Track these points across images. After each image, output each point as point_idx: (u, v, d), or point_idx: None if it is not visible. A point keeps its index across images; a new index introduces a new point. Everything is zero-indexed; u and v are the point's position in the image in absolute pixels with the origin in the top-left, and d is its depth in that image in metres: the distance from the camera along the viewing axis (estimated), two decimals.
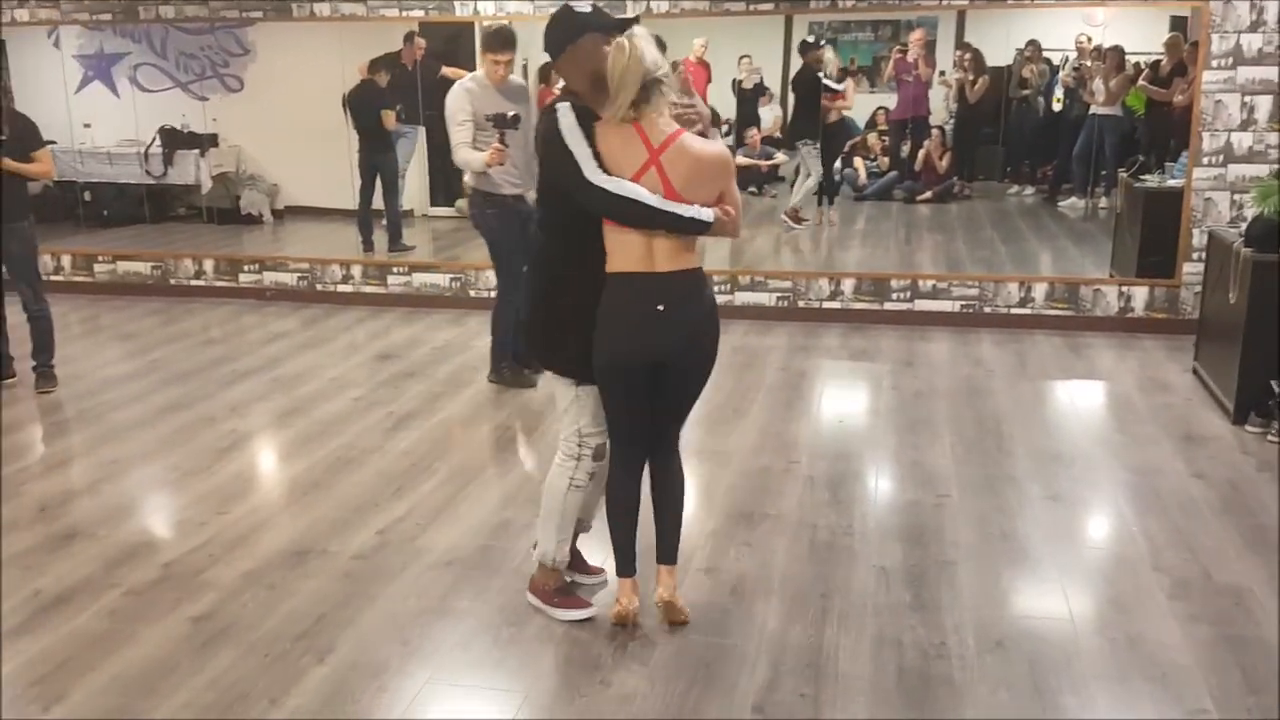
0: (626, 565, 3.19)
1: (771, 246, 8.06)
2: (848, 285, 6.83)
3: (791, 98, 8.01)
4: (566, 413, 3.15)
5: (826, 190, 8.34)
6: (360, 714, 2.81)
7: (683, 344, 2.99)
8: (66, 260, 8.07)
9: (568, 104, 2.94)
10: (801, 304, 6.82)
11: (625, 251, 2.92)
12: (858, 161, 9.12)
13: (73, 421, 5.18)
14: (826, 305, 6.84)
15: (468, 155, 5.12)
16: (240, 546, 3.76)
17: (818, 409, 5.21)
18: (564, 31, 2.95)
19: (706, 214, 2.90)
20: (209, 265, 7.83)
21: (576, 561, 3.43)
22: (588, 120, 2.92)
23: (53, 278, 7.80)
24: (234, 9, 7.34)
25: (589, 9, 2.99)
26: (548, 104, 3.01)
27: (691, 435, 4.86)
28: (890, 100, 9.75)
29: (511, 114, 4.97)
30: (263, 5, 7.28)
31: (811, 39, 7.63)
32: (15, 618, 3.29)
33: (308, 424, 5.03)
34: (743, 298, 6.95)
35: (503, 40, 5.20)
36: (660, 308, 2.92)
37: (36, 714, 2.81)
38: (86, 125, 8.68)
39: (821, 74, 7.80)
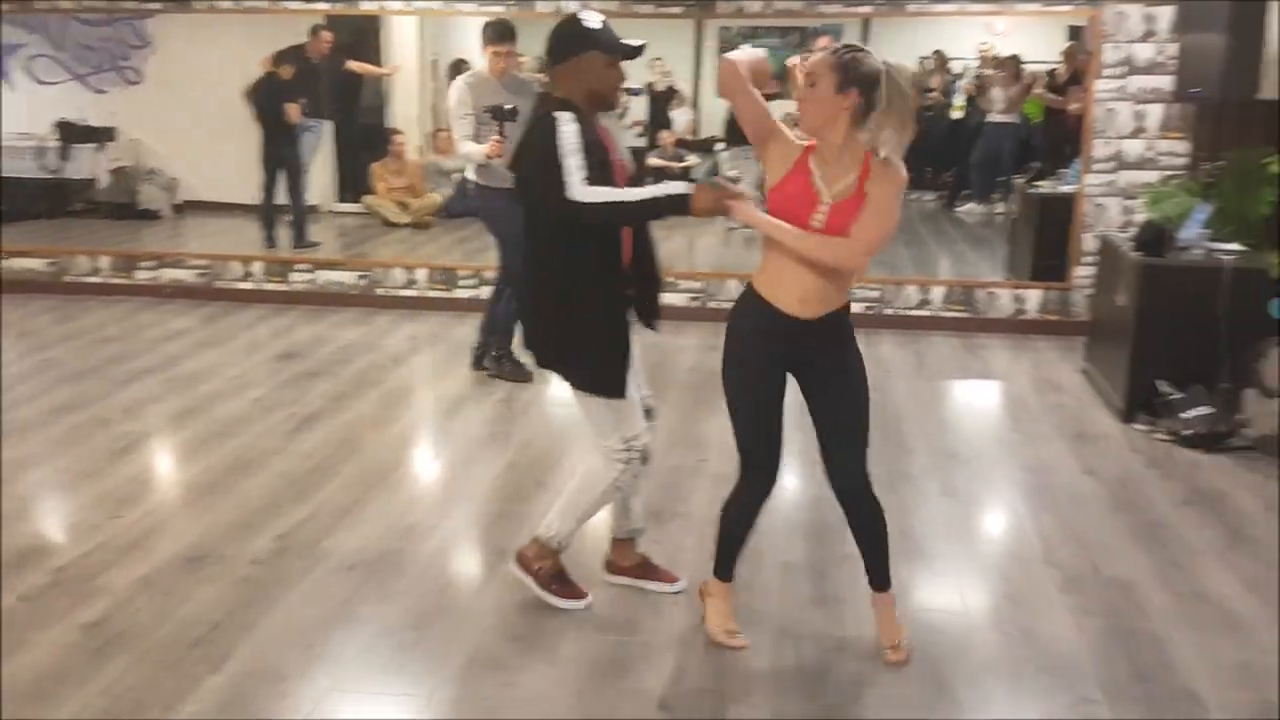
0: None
1: (684, 248, 8.11)
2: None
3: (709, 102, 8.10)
4: (604, 421, 3.09)
5: None
6: None
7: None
8: None
9: (570, 115, 2.88)
10: (712, 305, 6.88)
11: None
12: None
13: None
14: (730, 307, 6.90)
15: (469, 148, 5.21)
16: (135, 551, 3.66)
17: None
18: (571, 43, 2.94)
19: (680, 187, 2.85)
20: (105, 262, 7.59)
21: (647, 568, 3.46)
22: (589, 135, 2.89)
23: None
24: (133, 0, 7.13)
25: (598, 25, 2.96)
26: (543, 110, 2.94)
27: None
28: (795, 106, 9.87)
29: (509, 106, 5.02)
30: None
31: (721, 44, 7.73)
32: None
33: (206, 425, 4.91)
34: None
35: (500, 32, 5.25)
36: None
37: None
38: None
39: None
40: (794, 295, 2.86)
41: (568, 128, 2.85)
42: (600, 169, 2.89)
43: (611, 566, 3.50)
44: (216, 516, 3.94)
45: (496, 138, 5.01)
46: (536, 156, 2.88)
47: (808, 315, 2.88)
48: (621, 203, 2.85)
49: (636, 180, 3.14)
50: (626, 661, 3.02)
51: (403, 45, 8.94)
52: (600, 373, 3.04)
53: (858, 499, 3.07)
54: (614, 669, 2.99)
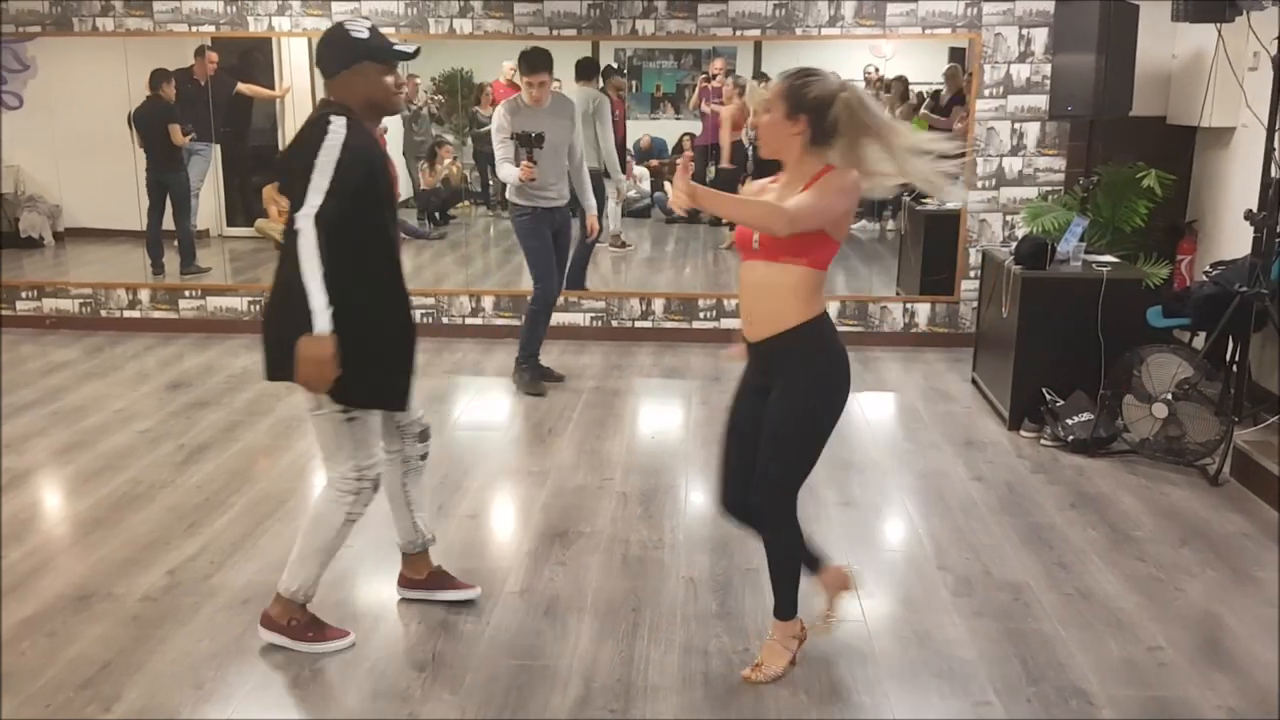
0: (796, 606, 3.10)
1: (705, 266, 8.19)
2: (658, 305, 6.97)
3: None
4: (338, 448, 3.03)
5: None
6: None
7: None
8: None
9: (344, 120, 2.82)
10: (615, 323, 6.91)
11: (820, 288, 2.84)
12: (668, 185, 9.34)
13: None
14: (639, 324, 6.96)
15: (506, 171, 5.51)
16: (18, 591, 3.51)
17: (631, 426, 5.29)
18: (342, 54, 2.90)
19: (322, 323, 2.76)
20: None
21: (442, 577, 3.44)
22: (364, 143, 2.83)
23: None
24: (10, 24, 6.88)
25: (366, 34, 2.92)
26: (320, 112, 2.88)
27: (508, 455, 4.86)
28: (696, 126, 9.99)
29: (536, 133, 5.35)
30: (42, 19, 6.85)
31: (615, 65, 7.80)
32: None
33: (91, 459, 4.74)
34: (558, 318, 6.97)
35: (529, 63, 5.45)
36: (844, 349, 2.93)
37: None
38: None
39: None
40: (746, 319, 2.93)
41: (335, 138, 2.78)
42: (367, 179, 2.84)
43: (404, 580, 3.48)
44: (104, 553, 3.81)
45: (526, 163, 5.36)
46: (303, 159, 2.80)
47: (754, 338, 2.91)
48: (304, 262, 2.73)
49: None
50: (531, 686, 3.01)
51: (295, 66, 8.80)
52: (364, 379, 2.96)
53: (751, 524, 3.08)
54: (519, 694, 2.97)
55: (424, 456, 3.37)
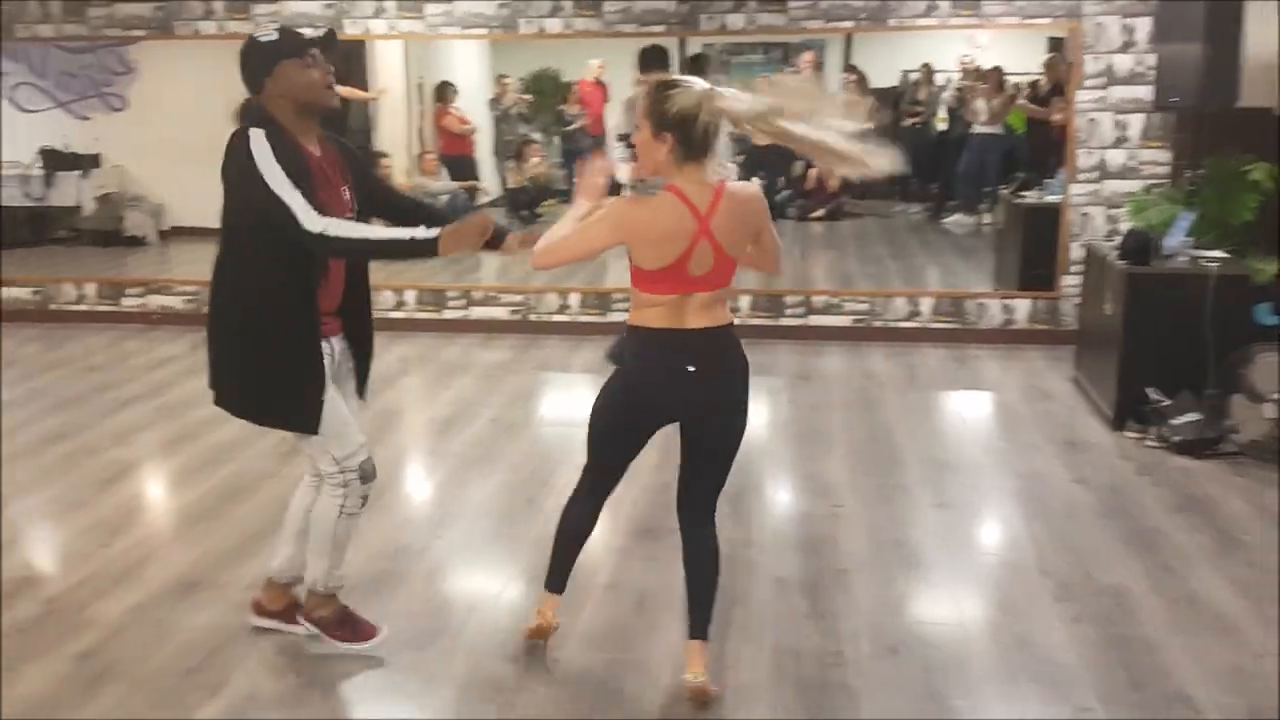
0: (559, 581, 3.10)
1: None
2: (745, 301, 6.92)
3: None
4: (312, 444, 2.93)
5: None
6: None
7: (709, 403, 2.83)
8: None
9: (262, 132, 2.72)
10: (533, 317, 6.87)
11: (661, 310, 2.73)
12: (753, 181, 9.29)
13: None
14: None
15: (619, 171, 5.43)
16: (126, 580, 3.63)
17: None
18: (257, 64, 2.81)
19: (425, 232, 2.72)
20: (91, 289, 7.57)
21: (294, 612, 3.25)
22: (287, 150, 2.74)
23: None
24: (116, 28, 7.13)
25: (275, 35, 2.83)
26: (238, 129, 2.77)
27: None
28: None
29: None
30: (145, 23, 7.09)
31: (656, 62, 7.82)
32: None
33: (196, 451, 4.89)
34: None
35: (644, 61, 5.41)
36: (691, 368, 2.76)
37: None
38: None
39: None
40: None
41: (263, 158, 2.69)
42: (300, 182, 2.73)
43: (259, 607, 3.30)
44: (210, 544, 3.92)
45: (632, 163, 5.27)
46: (236, 174, 2.74)
47: None
48: (364, 239, 2.73)
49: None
50: (623, 679, 3.02)
51: (389, 68, 8.97)
52: (291, 406, 2.87)
53: None
54: (611, 687, 2.98)
55: (364, 498, 3.06)
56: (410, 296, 7.20)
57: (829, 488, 4.38)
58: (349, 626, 3.16)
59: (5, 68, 8.20)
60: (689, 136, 2.62)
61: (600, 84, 9.06)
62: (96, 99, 8.31)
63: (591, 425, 2.96)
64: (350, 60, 8.27)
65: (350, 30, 6.92)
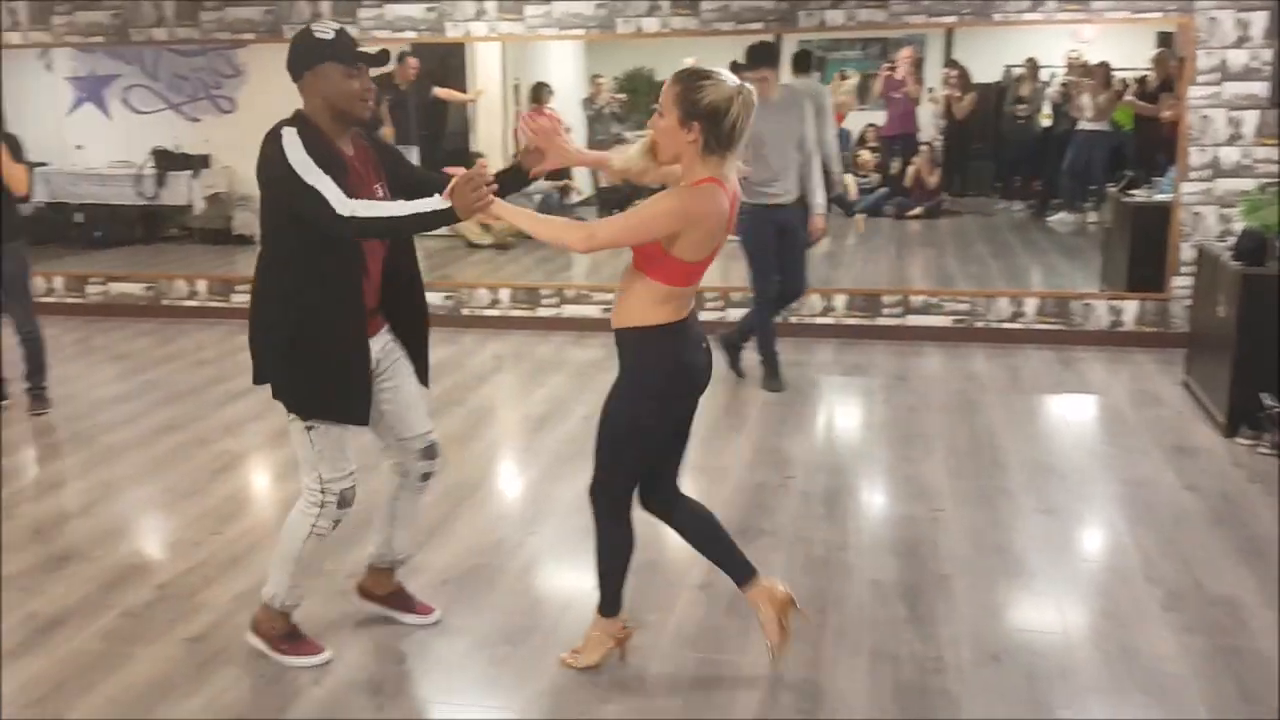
0: (619, 605, 3.06)
1: None
2: (840, 301, 6.85)
3: None
4: (304, 458, 2.98)
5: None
6: None
7: (705, 387, 2.92)
8: (59, 282, 8.05)
9: (294, 129, 2.77)
10: (794, 320, 6.83)
11: (678, 303, 2.76)
12: (849, 178, 9.18)
13: (66, 443, 5.16)
14: (819, 321, 6.86)
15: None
16: (235, 567, 3.75)
17: (812, 424, 5.22)
18: (304, 55, 2.82)
19: (441, 202, 2.71)
20: (202, 286, 7.83)
21: (402, 598, 3.35)
22: (320, 148, 2.76)
23: (44, 299, 7.78)
24: (225, 31, 7.37)
25: (331, 35, 2.82)
26: (271, 129, 2.80)
27: (687, 450, 4.87)
28: (880, 117, 9.81)
29: None
30: (254, 27, 7.30)
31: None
32: (12, 639, 3.28)
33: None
34: (735, 314, 6.97)
35: (752, 58, 5.37)
36: (706, 348, 2.87)
37: None
38: (79, 147, 8.70)
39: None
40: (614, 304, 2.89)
41: (294, 152, 2.72)
42: (332, 173, 2.75)
43: (363, 592, 3.38)
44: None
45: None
46: (273, 172, 2.76)
47: (612, 325, 2.88)
48: (386, 218, 2.73)
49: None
50: (716, 682, 3.01)
51: (487, 70, 9.10)
52: (316, 390, 2.90)
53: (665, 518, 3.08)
54: (704, 689, 2.98)
55: (426, 476, 3.23)
56: (505, 295, 7.29)
57: (928, 491, 4.31)
58: (294, 642, 3.14)
59: (119, 70, 8.52)
60: (718, 129, 2.61)
61: None
62: (206, 101, 8.57)
63: (619, 438, 2.88)
64: (449, 62, 8.42)
65: (451, 33, 7.04)
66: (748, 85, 2.65)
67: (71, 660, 3.16)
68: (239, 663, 3.13)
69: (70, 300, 8.02)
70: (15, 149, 5.31)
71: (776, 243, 5.56)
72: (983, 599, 3.44)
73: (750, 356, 5.89)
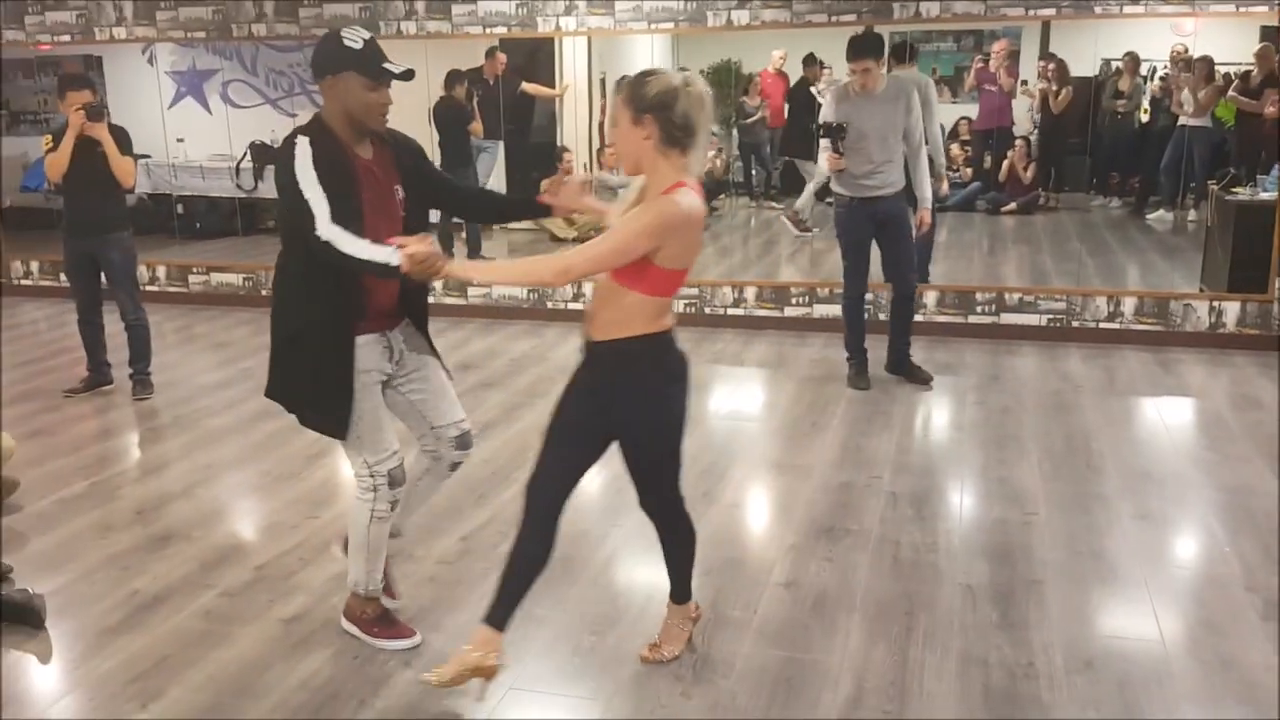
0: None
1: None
2: (930, 298, 6.75)
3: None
4: (348, 446, 3.05)
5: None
6: (445, 717, 2.85)
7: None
8: (161, 271, 8.33)
9: (308, 140, 2.77)
10: (882, 316, 6.75)
11: (667, 312, 2.75)
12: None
13: (168, 427, 5.34)
14: None
15: (820, 160, 5.55)
16: (329, 550, 3.82)
17: (900, 424, 5.15)
18: (327, 61, 2.82)
19: (394, 257, 2.70)
20: None
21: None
22: (332, 156, 2.79)
23: (148, 288, 8.05)
24: (323, 27, 7.52)
25: (360, 44, 2.82)
26: (287, 136, 2.83)
27: (769, 448, 4.86)
28: (972, 110, 9.62)
29: (836, 123, 5.28)
30: (350, 23, 7.44)
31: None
32: (114, 616, 3.41)
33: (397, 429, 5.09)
34: (821, 310, 6.91)
35: (854, 49, 5.32)
36: (682, 357, 2.82)
37: (134, 711, 2.91)
38: (179, 140, 8.96)
39: (815, 88, 7.88)
40: (588, 317, 2.82)
41: (301, 159, 2.74)
42: (341, 198, 2.75)
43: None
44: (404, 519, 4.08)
45: (832, 153, 5.26)
46: (282, 179, 2.78)
47: (590, 337, 2.80)
48: (344, 254, 2.72)
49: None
50: (801, 679, 2.99)
51: (573, 64, 9.13)
52: (330, 408, 2.96)
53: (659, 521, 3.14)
54: (788, 686, 2.96)
55: (455, 465, 3.31)
56: (589, 289, 7.32)
57: (1021, 494, 4.23)
58: (388, 625, 3.22)
59: (218, 65, 8.74)
60: (669, 120, 2.58)
61: (782, 75, 8.97)
62: (303, 96, 8.74)
63: (675, 434, 2.89)
64: (537, 57, 8.47)
65: (542, 27, 7.09)
66: (695, 79, 2.63)
67: (172, 637, 3.27)
68: (332, 644, 3.20)
69: (172, 289, 8.28)
70: (124, 142, 5.50)
71: (877, 237, 5.49)
72: (1076, 605, 3.37)
73: (830, 354, 5.83)
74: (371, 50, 2.83)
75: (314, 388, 2.97)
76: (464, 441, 3.28)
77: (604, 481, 4.58)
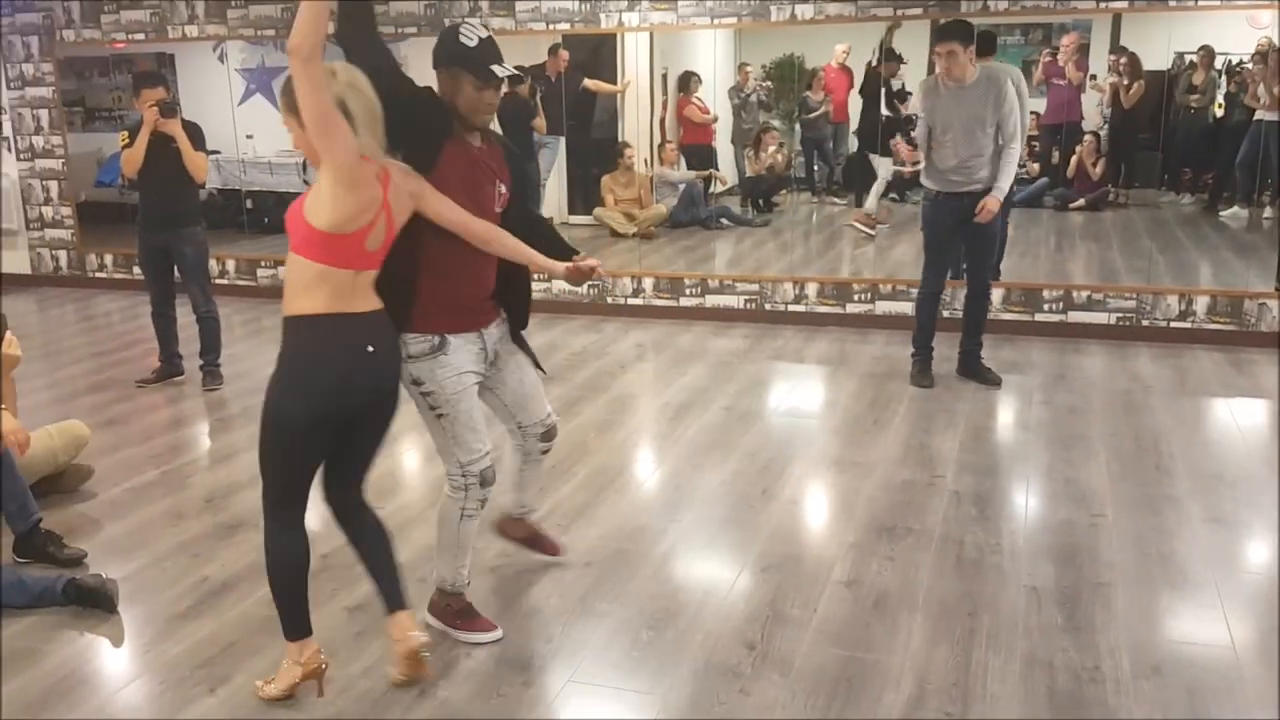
0: (304, 627, 2.95)
1: (913, 254, 7.91)
2: (996, 295, 6.65)
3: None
4: (439, 445, 3.11)
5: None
6: (503, 709, 2.87)
7: (387, 385, 2.86)
8: (231, 265, 8.49)
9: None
10: (946, 313, 6.66)
11: (326, 290, 2.68)
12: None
13: (237, 417, 5.44)
14: None
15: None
16: (392, 540, 3.87)
17: (964, 423, 5.09)
18: (442, 53, 2.88)
19: None
20: None
21: (536, 540, 3.65)
22: (438, 113, 2.88)
23: (218, 281, 8.21)
24: (390, 25, 7.61)
25: (474, 43, 2.85)
26: None
27: (830, 445, 4.82)
28: (1040, 105, 9.46)
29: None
30: (417, 21, 7.53)
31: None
32: (184, 602, 3.49)
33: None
34: (883, 306, 6.85)
35: (939, 31, 5.22)
36: (370, 349, 2.75)
37: (201, 695, 2.97)
38: (249, 136, 9.11)
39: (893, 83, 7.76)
40: None
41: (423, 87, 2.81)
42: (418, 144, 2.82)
43: (502, 532, 3.66)
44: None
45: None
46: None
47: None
48: None
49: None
50: (861, 678, 2.97)
51: (634, 59, 9.14)
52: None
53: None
54: (848, 685, 2.94)
55: (544, 453, 3.45)
56: (648, 284, 7.34)
57: (1088, 495, 4.15)
58: (471, 619, 3.25)
59: (287, 62, 8.87)
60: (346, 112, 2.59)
61: (845, 69, 8.89)
62: None
63: (265, 438, 2.97)
64: (600, 53, 8.49)
65: (605, 23, 7.10)
66: (346, 67, 2.67)
67: (240, 623, 3.34)
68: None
69: (241, 283, 8.44)
70: (197, 138, 5.61)
71: (960, 232, 5.40)
72: (1144, 609, 3.30)
73: (893, 351, 5.77)
74: (484, 50, 2.87)
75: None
76: (549, 434, 3.40)
77: (661, 476, 4.59)
